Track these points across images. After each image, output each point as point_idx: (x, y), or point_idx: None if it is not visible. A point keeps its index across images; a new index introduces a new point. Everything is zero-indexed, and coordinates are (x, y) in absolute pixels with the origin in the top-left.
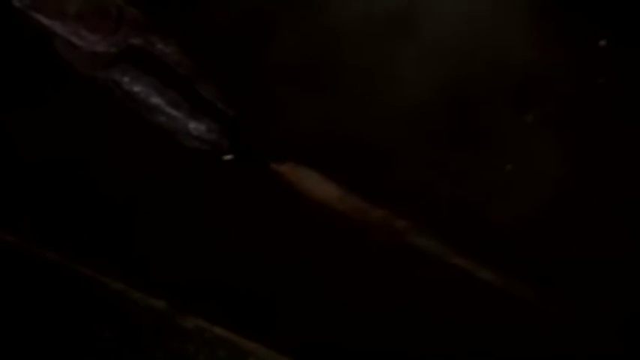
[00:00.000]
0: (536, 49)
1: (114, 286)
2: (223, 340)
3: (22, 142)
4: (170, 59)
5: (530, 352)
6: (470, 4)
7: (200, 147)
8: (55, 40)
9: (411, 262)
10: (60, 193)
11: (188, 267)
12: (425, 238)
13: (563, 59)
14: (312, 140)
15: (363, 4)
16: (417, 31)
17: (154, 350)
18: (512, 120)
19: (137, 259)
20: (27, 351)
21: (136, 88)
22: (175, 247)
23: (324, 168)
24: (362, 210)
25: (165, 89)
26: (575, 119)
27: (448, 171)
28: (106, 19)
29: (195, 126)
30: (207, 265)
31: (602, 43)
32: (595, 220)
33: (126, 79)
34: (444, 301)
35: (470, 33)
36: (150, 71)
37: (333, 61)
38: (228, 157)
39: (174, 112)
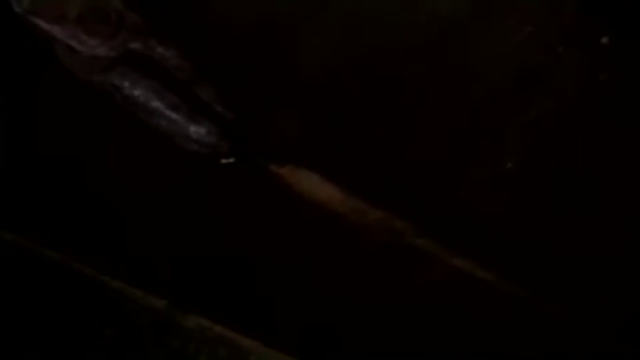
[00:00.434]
0: (537, 46)
1: (115, 285)
2: (224, 338)
3: (24, 144)
4: (170, 63)
5: (529, 352)
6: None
7: (200, 150)
8: (56, 45)
9: (410, 263)
10: (61, 194)
11: (189, 266)
12: (424, 238)
13: (564, 56)
14: (311, 142)
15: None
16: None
17: (154, 349)
18: (513, 118)
19: (138, 259)
20: (28, 350)
21: (136, 92)
22: (176, 247)
23: (323, 170)
24: (361, 211)
25: (165, 93)
26: (576, 116)
27: (447, 170)
28: (106, 24)
29: (194, 129)
30: (207, 265)
31: (604, 40)
32: (596, 220)
33: (125, 83)
34: (443, 301)
35: (469, 30)
36: (149, 75)
37: (331, 62)
38: (227, 159)
39: (173, 116)
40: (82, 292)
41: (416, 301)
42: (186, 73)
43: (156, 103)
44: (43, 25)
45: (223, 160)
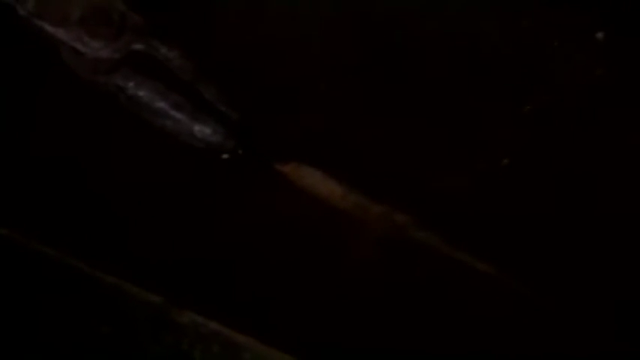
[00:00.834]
0: (534, 41)
1: (110, 281)
2: (218, 334)
3: (27, 142)
4: (173, 63)
5: (528, 349)
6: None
7: (204, 149)
8: (60, 47)
9: (411, 257)
10: (58, 190)
11: (184, 262)
12: (425, 232)
13: (560, 51)
14: (314, 140)
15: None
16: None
17: (149, 345)
18: (510, 112)
19: (134, 255)
20: (23, 346)
21: (140, 93)
22: (173, 244)
23: (325, 166)
24: (363, 206)
25: (169, 93)
26: (572, 111)
27: (446, 165)
28: (109, 26)
29: (199, 128)
30: (203, 261)
31: (600, 35)
32: (594, 215)
33: (130, 84)
34: (444, 295)
35: (467, 26)
36: (153, 76)
37: (332, 62)
38: (232, 158)
39: (178, 115)
40: (77, 288)
41: (416, 294)
42: (190, 73)
43: (160, 103)
44: (48, 27)
45: (228, 159)
